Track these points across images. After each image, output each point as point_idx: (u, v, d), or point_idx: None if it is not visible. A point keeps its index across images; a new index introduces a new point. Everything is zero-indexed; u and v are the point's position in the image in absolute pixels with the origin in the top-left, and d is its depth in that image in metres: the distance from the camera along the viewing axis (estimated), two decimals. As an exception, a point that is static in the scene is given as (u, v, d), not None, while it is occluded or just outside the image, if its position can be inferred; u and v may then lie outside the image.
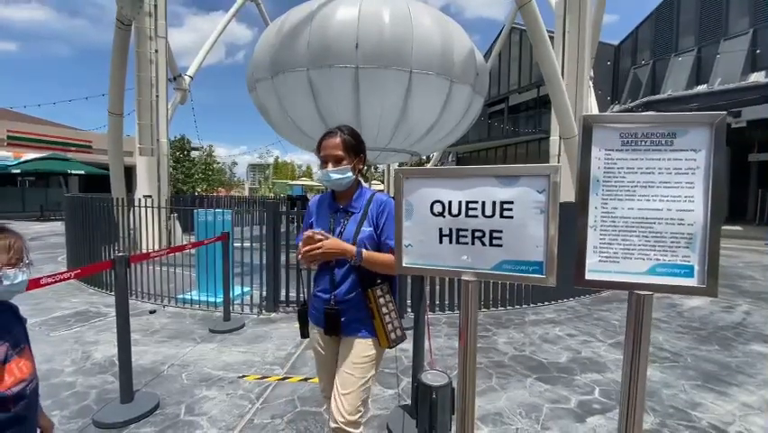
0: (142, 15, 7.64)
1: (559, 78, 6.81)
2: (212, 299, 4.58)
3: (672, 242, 0.90)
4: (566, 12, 7.85)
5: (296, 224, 5.35)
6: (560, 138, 7.88)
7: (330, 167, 1.51)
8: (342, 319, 1.51)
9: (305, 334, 1.70)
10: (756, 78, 12.77)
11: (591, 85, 9.51)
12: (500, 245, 1.02)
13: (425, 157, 16.92)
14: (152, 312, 4.42)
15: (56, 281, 1.99)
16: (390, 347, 1.51)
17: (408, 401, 2.56)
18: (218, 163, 35.95)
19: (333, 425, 1.46)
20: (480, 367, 3.12)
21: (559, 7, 8.13)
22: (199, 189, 26.13)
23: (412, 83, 6.62)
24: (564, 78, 7.43)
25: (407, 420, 2.32)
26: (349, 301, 1.51)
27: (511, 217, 1.01)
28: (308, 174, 50.99)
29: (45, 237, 10.62)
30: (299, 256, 1.46)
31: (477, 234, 1.04)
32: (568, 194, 6.17)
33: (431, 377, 1.27)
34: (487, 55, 15.92)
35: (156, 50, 8.01)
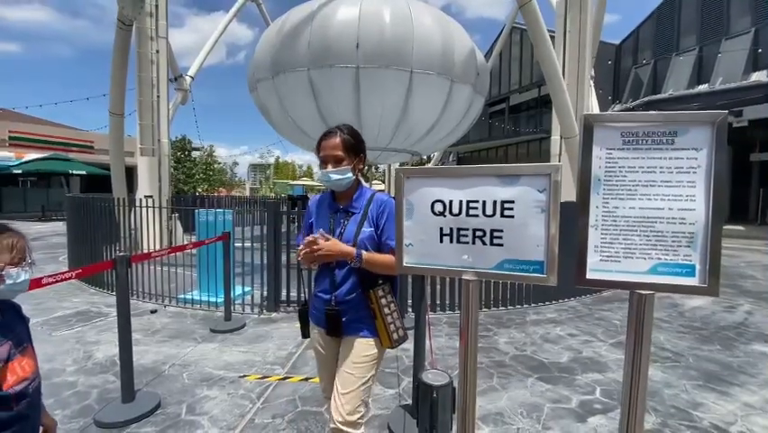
0: (143, 16, 7.66)
1: (560, 77, 6.80)
2: (213, 299, 4.59)
3: (673, 241, 0.90)
4: (567, 11, 7.84)
5: (296, 224, 5.35)
6: (561, 138, 7.87)
7: (330, 167, 1.50)
8: (343, 320, 1.50)
9: (305, 334, 1.70)
10: (758, 77, 12.74)
11: (592, 84, 9.49)
12: (501, 245, 1.02)
13: (425, 157, 16.91)
14: (153, 312, 4.42)
15: (57, 281, 1.99)
16: (393, 347, 1.50)
17: (409, 401, 2.56)
18: (219, 163, 36.03)
19: (332, 425, 1.46)
20: (481, 367, 3.12)
21: (560, 6, 8.12)
22: (200, 190, 26.16)
23: (413, 83, 6.61)
24: (565, 77, 7.42)
25: (408, 420, 2.32)
26: (349, 302, 1.51)
27: (512, 217, 1.00)
28: (309, 174, 51.00)
29: (47, 237, 10.64)
30: (299, 257, 1.46)
31: (478, 233, 1.04)
32: (569, 194, 6.16)
33: (432, 376, 1.27)
34: (487, 55, 15.91)
35: (157, 51, 8.03)
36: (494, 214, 1.02)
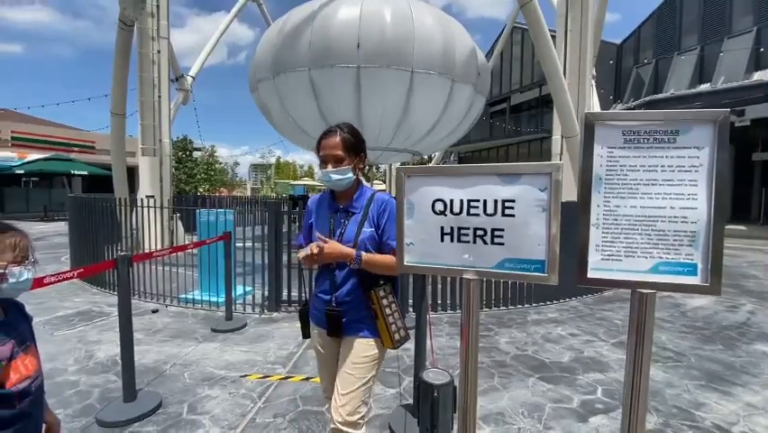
0: (145, 16, 7.67)
1: (561, 77, 6.79)
2: (214, 299, 4.60)
3: (674, 240, 0.89)
4: (568, 10, 7.83)
5: (297, 223, 5.35)
6: (562, 137, 7.86)
7: (330, 167, 1.48)
8: (344, 320, 1.49)
9: (306, 334, 1.69)
10: (760, 76, 12.70)
11: (594, 84, 9.48)
12: (502, 244, 1.02)
13: (426, 157, 16.91)
14: (155, 312, 4.43)
15: (59, 280, 2.00)
16: (394, 348, 1.49)
17: (410, 401, 2.56)
18: (220, 163, 36.11)
19: (332, 426, 1.45)
20: (482, 367, 3.11)
21: (561, 6, 8.11)
22: (201, 190, 26.22)
23: (413, 83, 6.61)
24: (566, 77, 7.41)
25: (409, 420, 2.32)
26: (350, 302, 1.50)
27: (513, 216, 1.00)
28: (310, 174, 51.04)
29: (49, 237, 10.68)
30: (300, 259, 1.46)
31: (478, 232, 1.04)
32: (570, 193, 6.16)
33: (432, 375, 1.27)
34: (488, 54, 15.90)
35: (158, 51, 8.04)
36: (495, 213, 1.02)
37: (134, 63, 7.89)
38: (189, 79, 12.14)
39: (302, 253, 1.44)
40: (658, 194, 0.90)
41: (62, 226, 11.74)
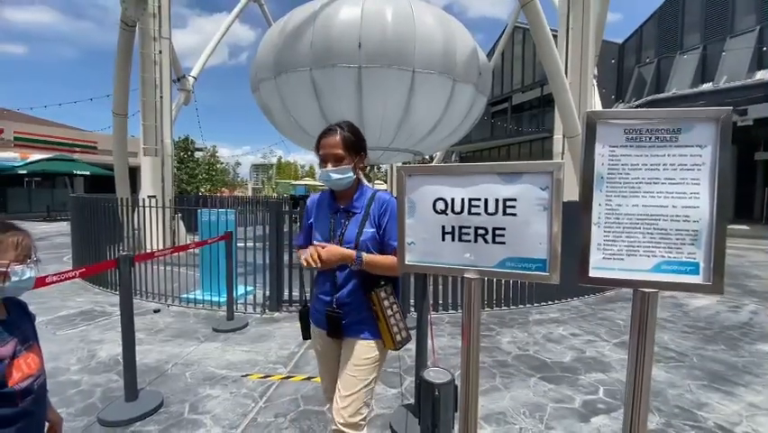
0: (146, 17, 7.69)
1: (562, 76, 6.78)
2: (215, 299, 4.60)
3: (677, 239, 0.89)
4: (569, 10, 7.81)
5: (298, 223, 5.35)
6: (563, 137, 7.84)
7: (330, 166, 1.46)
8: (344, 322, 1.48)
9: (306, 335, 1.67)
10: (763, 75, 12.64)
11: (595, 83, 9.46)
12: (503, 243, 1.02)
13: (428, 156, 16.91)
14: (156, 311, 4.44)
15: (61, 280, 2.00)
16: (396, 349, 1.48)
17: (412, 401, 2.56)
18: (222, 164, 36.19)
19: (333, 427, 1.44)
20: (484, 367, 3.11)
21: (562, 5, 8.10)
22: (203, 190, 26.27)
23: (415, 82, 6.60)
24: (568, 76, 7.40)
25: (411, 419, 2.32)
26: (351, 304, 1.48)
27: (514, 215, 1.00)
28: (311, 174, 51.10)
29: (51, 237, 10.71)
30: (301, 260, 1.43)
31: (479, 231, 1.04)
32: (572, 193, 6.14)
33: (433, 374, 1.27)
34: (490, 54, 15.87)
35: (160, 51, 8.06)
36: (496, 212, 1.01)
37: (136, 64, 7.92)
38: (191, 80, 12.17)
39: (302, 261, 1.41)
40: (660, 193, 0.89)
41: (65, 226, 11.79)
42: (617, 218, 0.92)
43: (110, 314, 4.31)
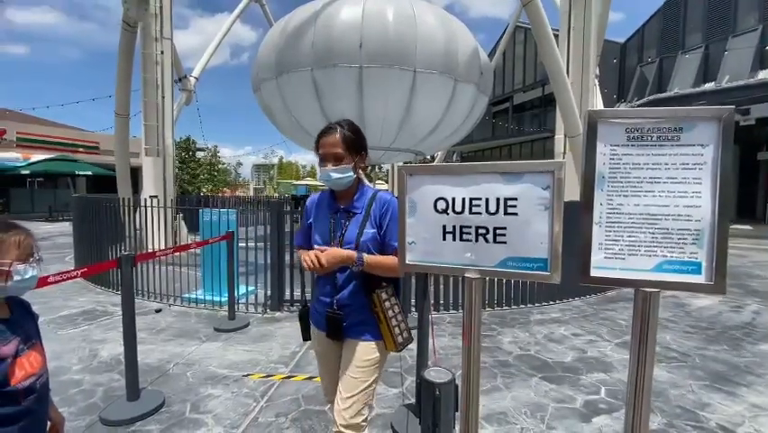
0: (148, 17, 7.71)
1: (564, 76, 6.77)
2: (217, 299, 4.61)
3: (678, 238, 0.89)
4: (571, 9, 7.80)
5: (300, 223, 5.36)
6: (565, 137, 7.83)
7: (329, 166, 1.43)
8: (345, 323, 1.46)
9: (306, 337, 1.66)
10: (765, 75, 12.59)
11: (597, 83, 9.44)
12: (504, 242, 1.02)
13: (429, 156, 16.90)
14: (158, 311, 4.45)
15: (63, 279, 2.01)
16: (398, 351, 1.46)
17: (413, 400, 2.56)
18: (223, 164, 36.26)
19: (335, 429, 1.43)
20: (485, 366, 3.11)
21: (564, 4, 8.09)
22: (204, 190, 26.32)
23: (416, 82, 6.60)
24: (569, 76, 7.38)
25: (411, 419, 2.31)
26: (351, 305, 1.46)
27: (515, 214, 1.00)
28: (313, 174, 51.15)
29: (54, 237, 10.75)
30: (303, 264, 1.41)
31: (480, 231, 1.03)
32: (573, 193, 6.12)
33: (434, 374, 1.26)
34: (491, 54, 15.86)
35: (162, 52, 8.07)
36: (497, 211, 1.01)
37: (138, 64, 7.93)
38: (192, 80, 12.20)
39: (303, 264, 1.39)
40: (662, 192, 0.89)
41: (67, 227, 11.82)
42: (619, 218, 0.92)
43: (112, 314, 4.32)
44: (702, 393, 2.72)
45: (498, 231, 1.02)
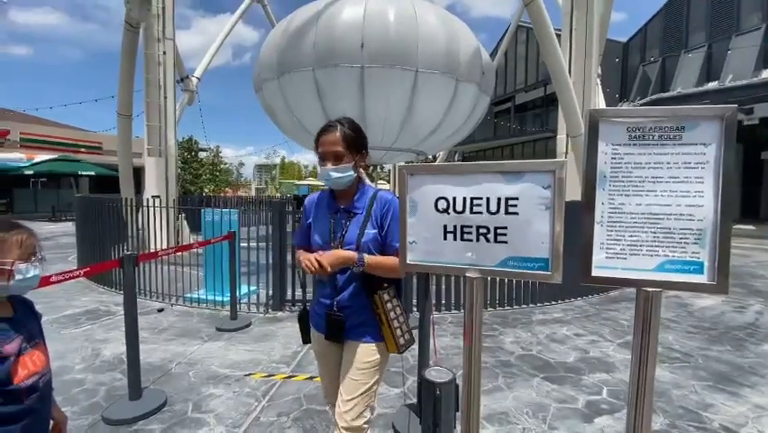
0: (150, 18, 7.73)
1: (566, 75, 6.75)
2: (219, 298, 4.62)
3: (681, 238, 0.88)
4: (573, 9, 7.77)
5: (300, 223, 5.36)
6: (567, 136, 7.81)
7: (329, 165, 1.40)
8: (345, 325, 1.44)
9: (306, 339, 1.63)
10: (769, 74, 12.52)
11: (599, 82, 9.41)
12: (505, 242, 1.01)
13: (431, 156, 16.90)
14: (160, 311, 4.47)
15: (66, 279, 2.02)
16: (400, 353, 1.43)
17: (414, 400, 2.56)
18: (225, 164, 36.35)
19: (336, 432, 1.42)
20: (487, 366, 3.10)
21: (566, 4, 8.06)
22: (207, 190, 26.38)
23: (418, 82, 6.59)
24: (571, 75, 7.36)
25: (413, 419, 2.31)
26: (352, 307, 1.44)
27: (516, 214, 0.99)
28: (314, 174, 51.19)
29: (57, 237, 10.79)
30: (302, 267, 1.38)
31: (481, 230, 1.03)
32: (575, 193, 6.10)
33: (435, 374, 1.26)
34: (493, 54, 15.81)
35: (164, 52, 8.09)
36: (498, 211, 1.01)
37: (140, 65, 7.96)
38: (195, 80, 12.23)
39: (304, 267, 1.36)
40: (663, 191, 0.88)
41: (70, 227, 11.87)
42: (620, 217, 0.92)
43: (114, 313, 4.33)
44: (705, 394, 2.71)
45: (498, 231, 1.02)
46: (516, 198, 0.99)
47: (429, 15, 6.76)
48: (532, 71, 21.84)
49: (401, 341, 1.42)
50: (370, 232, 1.42)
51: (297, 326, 1.67)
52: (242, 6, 13.36)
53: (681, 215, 0.88)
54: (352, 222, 1.45)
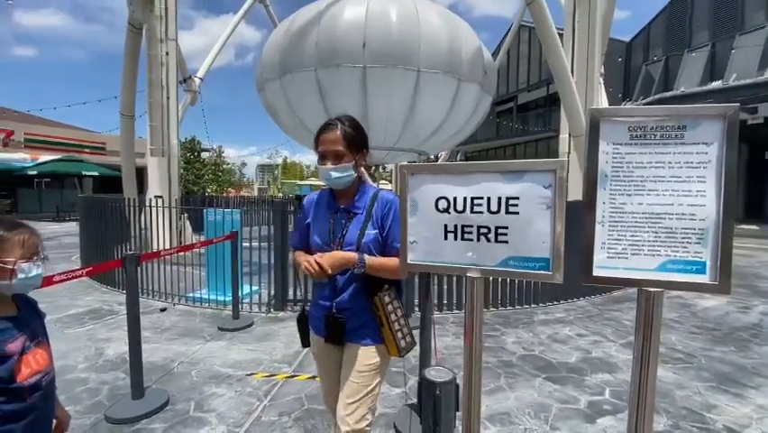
0: (153, 19, 7.76)
1: (568, 75, 6.73)
2: (221, 298, 4.63)
3: (682, 237, 0.88)
4: (575, 8, 7.75)
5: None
6: (569, 136, 7.78)
7: (329, 164, 1.38)
8: (346, 327, 1.41)
9: (306, 343, 1.60)
10: (773, 73, 12.45)
11: (602, 82, 9.37)
12: (506, 242, 1.01)
13: (433, 156, 16.88)
14: (163, 310, 4.48)
15: (69, 278, 2.03)
16: (400, 356, 1.41)
17: (415, 400, 2.56)
18: (228, 164, 36.47)
19: None
20: (489, 367, 3.09)
21: (568, 3, 8.04)
22: (209, 190, 26.45)
23: (420, 82, 6.59)
24: (574, 75, 7.34)
25: (414, 419, 2.31)
26: (351, 309, 1.41)
27: (517, 213, 0.99)
28: (316, 174, 51.20)
29: (60, 237, 10.85)
30: (302, 270, 1.35)
31: (482, 230, 1.03)
32: (577, 193, 6.09)
33: (435, 373, 1.26)
34: (495, 53, 15.80)
35: (167, 53, 8.13)
36: (499, 210, 1.01)
37: (144, 65, 8.00)
38: (197, 81, 12.26)
39: (303, 270, 1.34)
40: (665, 191, 0.88)
41: (74, 227, 11.93)
42: (622, 217, 0.91)
43: (117, 313, 4.35)
44: (708, 395, 2.70)
45: (499, 230, 1.01)
46: (517, 198, 0.98)
47: (431, 15, 6.76)
48: (534, 71, 21.79)
49: (402, 344, 1.40)
50: (371, 232, 1.40)
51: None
52: (245, 7, 13.39)
53: (682, 214, 0.87)
54: (352, 222, 1.42)
